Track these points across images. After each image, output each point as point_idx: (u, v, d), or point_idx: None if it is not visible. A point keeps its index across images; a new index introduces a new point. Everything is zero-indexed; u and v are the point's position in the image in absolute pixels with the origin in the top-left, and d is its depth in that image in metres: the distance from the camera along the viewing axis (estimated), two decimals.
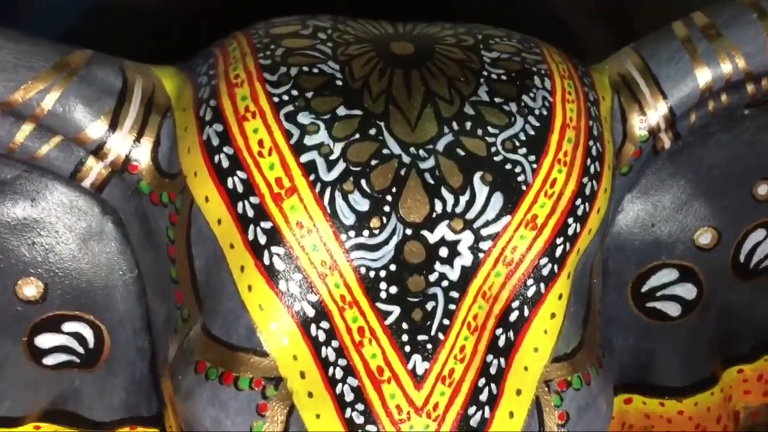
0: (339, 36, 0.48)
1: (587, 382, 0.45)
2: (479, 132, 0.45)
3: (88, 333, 0.52)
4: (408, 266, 0.43)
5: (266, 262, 0.43)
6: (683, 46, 0.51)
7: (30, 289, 0.51)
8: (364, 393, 0.42)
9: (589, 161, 0.47)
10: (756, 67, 0.50)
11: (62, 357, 0.52)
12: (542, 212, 0.44)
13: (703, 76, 0.50)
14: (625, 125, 0.51)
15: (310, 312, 0.43)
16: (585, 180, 0.46)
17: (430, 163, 0.44)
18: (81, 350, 0.52)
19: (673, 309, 0.58)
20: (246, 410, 0.43)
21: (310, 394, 0.42)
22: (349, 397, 0.42)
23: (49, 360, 0.53)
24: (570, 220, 0.45)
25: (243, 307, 0.43)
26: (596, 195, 0.47)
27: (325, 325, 0.43)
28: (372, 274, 0.43)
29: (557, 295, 0.45)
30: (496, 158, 0.44)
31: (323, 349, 0.43)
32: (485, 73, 0.47)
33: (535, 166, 0.45)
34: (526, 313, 0.44)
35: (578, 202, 0.46)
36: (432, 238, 0.43)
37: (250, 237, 0.43)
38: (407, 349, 0.42)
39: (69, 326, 0.52)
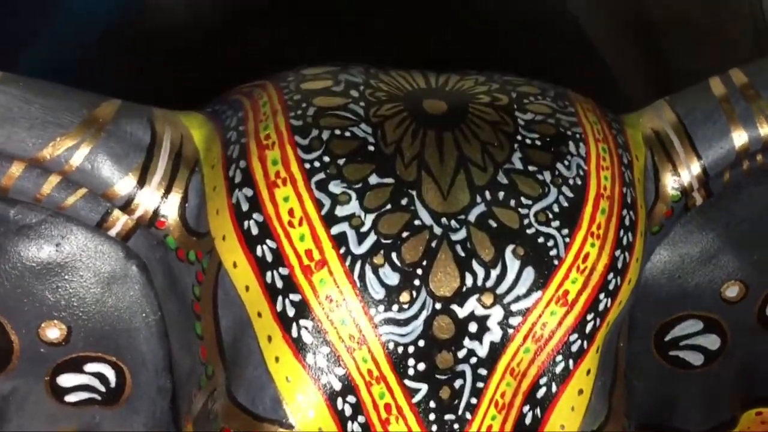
0: (371, 93, 0.47)
1: None
2: (512, 203, 0.44)
3: (110, 373, 0.52)
4: (437, 342, 0.42)
5: (294, 334, 0.42)
6: (720, 105, 0.49)
7: (53, 331, 0.51)
8: None
9: (622, 232, 0.46)
10: None
11: (84, 395, 0.52)
12: (574, 288, 0.44)
13: (740, 138, 0.49)
14: (657, 184, 0.50)
15: (337, 386, 0.43)
16: (618, 253, 0.45)
17: (462, 234, 0.43)
18: (103, 389, 0.52)
19: (695, 358, 0.58)
20: None
21: None
22: None
23: (71, 398, 0.53)
24: (601, 296, 0.45)
25: (269, 377, 0.43)
26: (628, 267, 0.46)
27: (351, 399, 0.42)
28: (400, 349, 0.42)
29: (585, 371, 0.44)
30: (528, 231, 0.44)
31: (349, 423, 0.42)
32: (519, 137, 0.46)
33: (568, 240, 0.44)
34: (554, 389, 0.44)
35: (610, 276, 0.45)
36: (461, 312, 0.43)
37: (278, 308, 0.42)
38: (434, 428, 0.42)
39: (91, 367, 0.52)
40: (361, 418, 0.42)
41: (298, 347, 0.42)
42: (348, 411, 0.43)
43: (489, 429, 0.43)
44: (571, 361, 0.44)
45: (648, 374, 0.58)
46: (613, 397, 0.47)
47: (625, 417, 0.48)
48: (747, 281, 0.56)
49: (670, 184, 0.50)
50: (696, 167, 0.50)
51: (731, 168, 0.51)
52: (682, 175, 0.50)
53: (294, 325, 0.42)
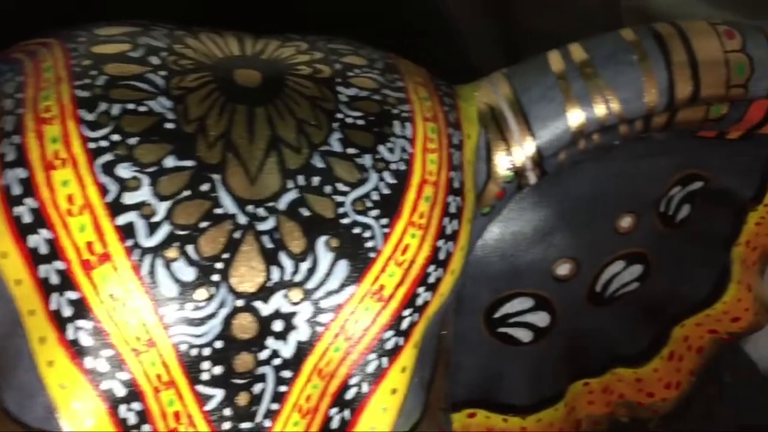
0: (175, 61, 0.41)
1: None
2: (327, 189, 0.40)
3: None
4: (236, 343, 0.38)
5: (70, 336, 0.37)
6: (558, 83, 0.47)
7: None
8: None
9: (446, 221, 0.43)
10: (631, 112, 0.47)
11: None
12: (391, 282, 0.41)
13: (576, 117, 0.47)
14: (489, 164, 0.47)
15: (121, 392, 0.38)
16: (440, 243, 0.42)
17: (270, 224, 0.39)
18: None
19: (524, 335, 0.57)
20: None
21: None
22: None
23: None
24: (421, 290, 0.42)
25: (41, 384, 0.38)
26: (451, 258, 0.43)
27: (136, 406, 0.38)
28: (194, 352, 0.38)
29: (400, 369, 0.41)
30: (343, 221, 0.40)
31: None
32: (340, 116, 0.42)
33: (386, 230, 0.40)
34: (365, 390, 0.41)
35: (431, 269, 0.42)
36: (266, 310, 0.39)
37: (53, 307, 0.37)
38: None
39: None
40: (146, 428, 0.38)
41: (76, 350, 0.37)
42: (132, 419, 0.38)
43: None
44: (384, 360, 0.41)
45: (476, 351, 0.57)
46: (430, 392, 0.44)
47: (442, 411, 0.46)
48: (579, 259, 0.55)
49: (503, 164, 0.47)
50: (530, 147, 0.47)
51: (567, 148, 0.49)
52: (516, 155, 0.47)
53: (70, 326, 0.37)
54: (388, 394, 0.41)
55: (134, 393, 0.38)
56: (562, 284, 0.55)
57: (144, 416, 0.38)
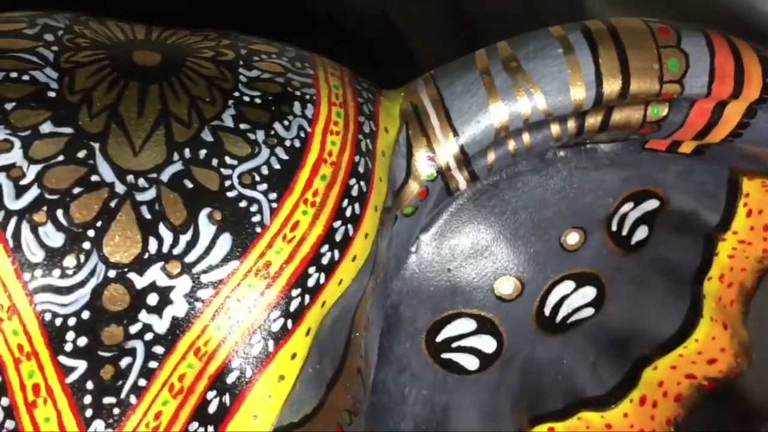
0: (71, 39, 0.41)
1: None
2: (214, 162, 0.38)
3: None
4: (105, 314, 0.36)
5: None
6: (481, 77, 0.45)
7: None
8: None
9: (345, 202, 0.41)
10: (556, 107, 0.45)
11: None
12: (277, 259, 0.38)
13: (498, 113, 0.45)
14: (409, 161, 0.46)
15: None
16: (337, 224, 0.40)
17: (150, 195, 0.37)
18: None
19: (469, 362, 0.53)
20: None
21: None
22: None
23: None
24: (311, 270, 0.39)
25: None
26: (351, 241, 0.41)
27: None
28: (59, 321, 0.36)
29: (289, 354, 0.39)
30: (229, 194, 0.38)
31: None
32: (237, 94, 0.41)
33: (275, 205, 0.39)
34: (248, 374, 0.38)
35: (324, 249, 0.40)
36: (140, 282, 0.37)
37: None
38: (88, 413, 0.36)
39: None
40: (5, 401, 0.36)
41: None
42: None
43: (158, 416, 0.37)
44: (270, 342, 0.38)
45: (419, 380, 0.53)
46: (333, 390, 0.41)
47: (346, 412, 0.43)
48: (522, 277, 0.52)
49: (424, 161, 0.46)
50: (453, 144, 0.45)
51: (495, 147, 0.47)
52: (438, 152, 0.46)
53: None
54: (275, 380, 0.38)
55: None
56: (506, 304, 0.52)
57: (3, 389, 0.36)
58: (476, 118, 0.45)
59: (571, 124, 0.46)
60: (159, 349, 0.37)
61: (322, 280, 0.40)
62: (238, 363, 0.38)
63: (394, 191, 0.45)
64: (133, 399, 0.36)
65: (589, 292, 0.54)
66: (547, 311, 0.53)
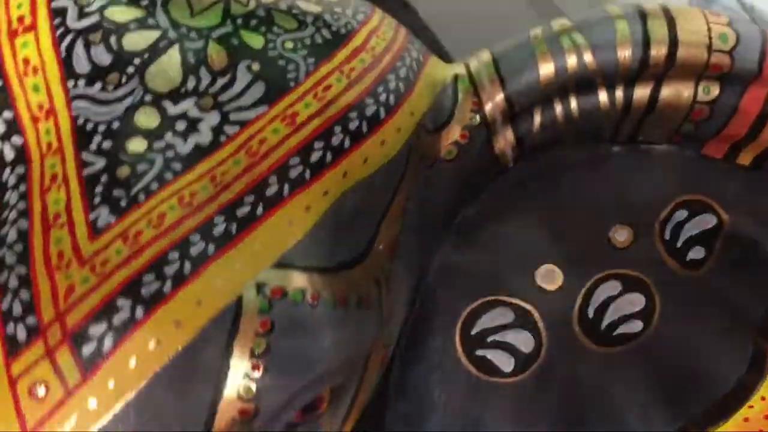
0: None
1: (312, 303, 0.38)
2: (262, 29, 0.41)
3: None
4: (134, 128, 0.38)
5: None
6: (531, 38, 0.47)
7: None
8: (29, 235, 0.36)
9: (381, 89, 0.42)
10: (603, 62, 0.46)
11: None
12: (305, 112, 0.39)
13: (545, 66, 0.46)
14: (454, 104, 0.47)
15: (10, 155, 0.38)
16: (369, 101, 0.41)
17: (198, 44, 0.40)
18: None
19: (505, 361, 0.50)
20: None
21: None
22: (11, 237, 0.36)
23: None
24: (337, 129, 0.40)
25: None
26: (382, 123, 0.41)
27: (20, 170, 0.37)
28: (90, 126, 0.38)
29: (304, 205, 0.38)
30: (270, 53, 0.40)
31: (9, 192, 0.37)
32: None
33: (312, 68, 0.41)
34: (259, 211, 0.38)
35: (353, 115, 0.41)
36: (172, 110, 0.38)
37: None
38: (96, 200, 0.36)
39: None
40: (22, 187, 0.37)
41: None
42: (12, 181, 0.37)
43: (162, 218, 0.36)
44: (286, 186, 0.38)
45: (452, 381, 0.50)
46: (349, 272, 0.40)
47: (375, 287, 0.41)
48: (564, 267, 0.50)
49: (468, 104, 0.47)
50: (498, 92, 0.47)
51: (542, 108, 0.47)
52: (483, 98, 0.47)
53: None
54: (284, 224, 0.38)
55: (22, 158, 0.38)
56: (547, 296, 0.50)
57: (24, 178, 0.37)
58: (524, 73, 0.46)
59: (619, 94, 0.47)
60: (177, 166, 0.38)
61: (346, 144, 0.40)
62: (251, 199, 0.38)
63: (436, 124, 0.46)
64: (141, 197, 0.37)
65: (637, 300, 0.50)
66: (591, 312, 0.50)
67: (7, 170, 0.37)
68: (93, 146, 0.37)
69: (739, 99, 0.47)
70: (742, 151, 0.50)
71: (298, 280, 0.38)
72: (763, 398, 0.52)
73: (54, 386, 0.34)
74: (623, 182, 0.50)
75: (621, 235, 0.50)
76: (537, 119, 0.47)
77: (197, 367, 0.35)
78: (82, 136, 0.38)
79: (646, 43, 0.46)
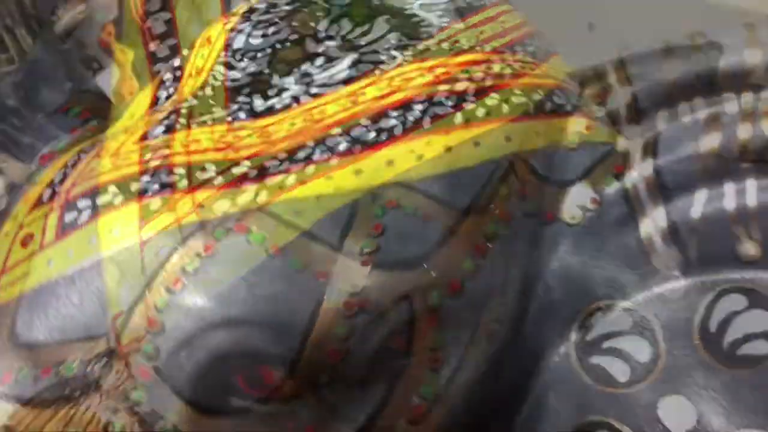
0: None
1: (425, 220, 0.39)
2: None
3: None
4: (279, 58, 0.43)
5: None
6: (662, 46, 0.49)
7: None
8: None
9: (509, 71, 0.45)
10: (731, 65, 0.46)
11: None
12: (436, 57, 0.43)
13: (711, 135, 0.44)
14: (585, 166, 0.46)
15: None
16: (497, 68, 0.44)
17: (343, 2, 0.45)
18: None
19: (620, 369, 0.46)
20: None
21: None
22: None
23: None
24: (463, 76, 0.43)
25: None
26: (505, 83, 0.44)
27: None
28: (240, 52, 0.44)
29: (443, 145, 0.41)
30: (407, 11, 0.45)
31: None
32: None
33: (444, 25, 0.45)
34: (398, 131, 0.41)
35: (478, 71, 0.44)
36: (312, 47, 0.44)
37: None
38: (234, 106, 0.42)
39: None
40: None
41: None
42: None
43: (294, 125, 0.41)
44: (427, 118, 0.42)
45: (565, 390, 0.46)
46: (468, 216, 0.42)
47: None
48: (686, 272, 0.46)
49: (607, 169, 0.45)
50: (648, 160, 0.44)
51: (708, 189, 0.44)
52: (627, 161, 0.45)
53: None
54: (417, 151, 0.41)
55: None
56: (667, 304, 0.46)
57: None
58: (681, 139, 0.44)
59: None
60: (314, 90, 0.42)
61: (469, 95, 0.43)
62: (393, 122, 0.41)
63: (550, 173, 0.45)
64: (277, 107, 0.42)
65: (764, 319, 0.46)
66: (712, 327, 0.46)
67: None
68: (240, 65, 0.43)
69: None
70: None
71: (415, 199, 0.39)
72: None
73: None
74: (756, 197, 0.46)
75: (749, 249, 0.46)
76: (698, 204, 0.44)
77: (309, 256, 0.36)
78: (232, 58, 0.43)
79: None
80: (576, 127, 0.46)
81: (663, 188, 0.43)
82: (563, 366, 0.45)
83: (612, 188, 0.44)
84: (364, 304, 0.38)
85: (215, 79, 0.43)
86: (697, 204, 0.43)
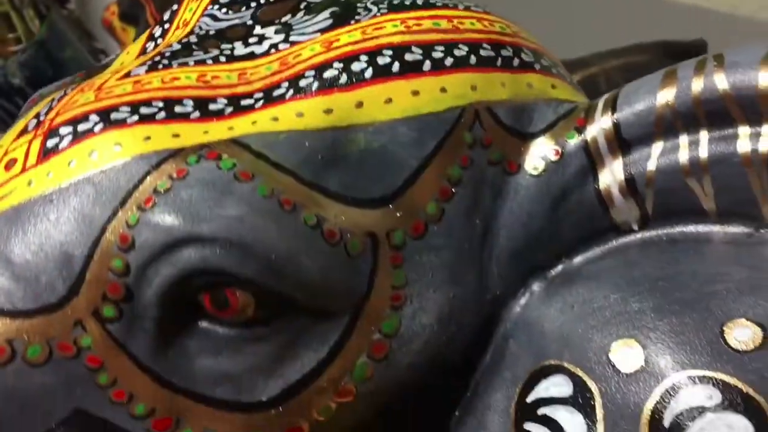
0: None
1: (392, 159, 0.43)
2: None
3: None
4: (225, 37, 0.46)
5: None
6: (663, 72, 0.42)
7: None
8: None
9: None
10: (739, 85, 0.38)
11: None
12: (408, 11, 0.45)
13: (667, 90, 0.40)
14: (550, 120, 0.44)
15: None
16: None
17: None
18: None
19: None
20: None
21: None
22: None
23: None
24: (434, 28, 0.44)
25: None
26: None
27: None
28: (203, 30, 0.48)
29: (395, 85, 0.43)
30: (358, 4, 0.46)
31: None
32: None
33: (378, 14, 0.45)
34: (368, 75, 0.42)
35: (450, 23, 0.45)
36: (256, 31, 0.46)
37: None
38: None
39: None
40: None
41: None
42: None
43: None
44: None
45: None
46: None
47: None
48: (650, 350, 0.38)
49: (571, 122, 0.43)
50: (606, 119, 0.42)
51: (663, 136, 0.41)
52: (588, 120, 0.43)
53: None
54: (391, 88, 0.42)
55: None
56: (618, 377, 0.38)
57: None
58: (640, 94, 0.41)
59: (766, 130, 0.37)
60: (292, 38, 0.45)
61: (438, 44, 0.44)
62: (362, 67, 0.43)
63: (519, 125, 0.44)
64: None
65: (738, 424, 0.35)
66: (667, 420, 0.36)
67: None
68: (225, 17, 0.47)
69: None
70: None
71: (383, 141, 0.42)
72: None
73: None
74: (761, 271, 0.38)
75: (742, 334, 0.36)
76: (654, 157, 0.40)
77: (277, 185, 0.40)
78: (218, 10, 0.48)
79: None
80: (542, 84, 0.45)
81: (621, 141, 0.42)
82: (524, 315, 0.44)
83: (573, 141, 0.43)
84: (330, 236, 0.39)
85: (200, 29, 0.47)
86: (653, 156, 0.42)
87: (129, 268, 0.39)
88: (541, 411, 0.40)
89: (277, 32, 0.45)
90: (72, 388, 0.39)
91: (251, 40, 0.45)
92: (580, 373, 0.39)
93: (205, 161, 0.39)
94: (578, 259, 0.43)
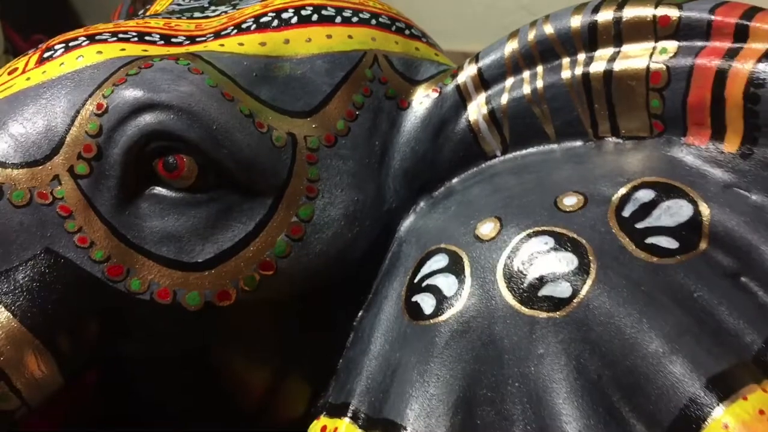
0: None
1: (311, 83, 0.54)
2: None
3: None
4: (191, 12, 0.61)
5: None
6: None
7: None
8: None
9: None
10: (558, 28, 0.50)
11: None
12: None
13: (512, 42, 0.53)
14: (432, 72, 0.57)
15: None
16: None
17: None
18: None
19: (427, 303, 0.47)
20: None
21: None
22: None
23: None
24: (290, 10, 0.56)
25: None
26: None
27: None
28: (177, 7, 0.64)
29: (314, 30, 0.55)
30: None
31: None
32: None
33: None
34: (294, 21, 0.55)
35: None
36: (208, 12, 0.60)
37: None
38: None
39: None
40: None
41: None
42: None
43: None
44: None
45: (388, 329, 0.50)
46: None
47: None
48: (503, 218, 0.48)
49: (447, 75, 0.55)
50: (472, 67, 0.54)
51: (512, 72, 0.52)
52: (459, 72, 0.54)
53: None
54: (310, 31, 0.55)
55: None
56: (478, 244, 0.47)
57: None
58: (495, 51, 0.53)
59: (579, 70, 0.50)
60: (239, 7, 0.59)
61: (347, 9, 0.57)
62: (289, 15, 0.56)
63: (409, 73, 0.56)
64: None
65: (568, 259, 0.45)
66: (516, 265, 0.46)
67: None
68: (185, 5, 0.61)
69: (694, 57, 0.46)
70: (726, 136, 0.46)
71: (304, 69, 0.54)
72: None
73: None
74: (592, 167, 0.49)
75: (569, 200, 0.47)
76: (506, 90, 0.52)
77: (221, 82, 0.51)
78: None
79: (596, 9, 0.49)
80: (427, 51, 0.59)
81: (483, 81, 0.54)
82: (414, 224, 0.54)
83: (449, 84, 0.55)
84: (259, 126, 0.50)
85: (166, 11, 0.61)
86: (506, 90, 0.53)
87: (102, 129, 0.48)
88: (425, 283, 0.48)
89: (227, 8, 0.58)
90: (45, 229, 0.48)
91: (207, 12, 0.58)
92: (453, 247, 0.49)
93: (166, 61, 0.50)
94: (455, 180, 0.54)
